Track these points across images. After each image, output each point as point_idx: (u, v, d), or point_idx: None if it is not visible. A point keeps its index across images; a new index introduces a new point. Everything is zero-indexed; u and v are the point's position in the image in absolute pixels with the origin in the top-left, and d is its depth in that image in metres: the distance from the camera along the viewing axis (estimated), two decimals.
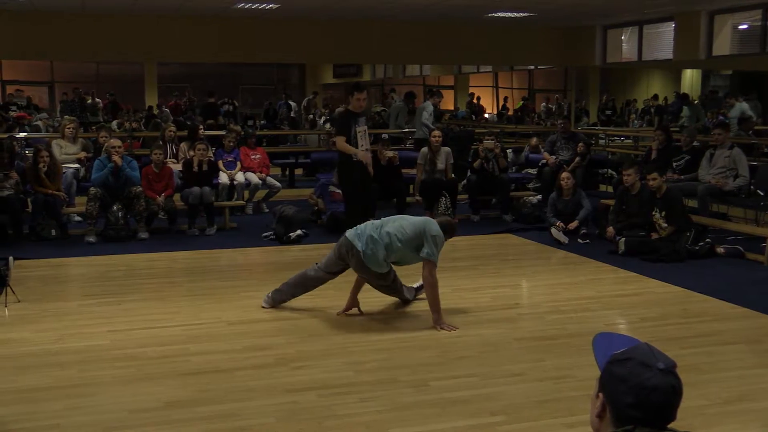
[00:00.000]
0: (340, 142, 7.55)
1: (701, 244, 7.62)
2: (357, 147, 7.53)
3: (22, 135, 11.80)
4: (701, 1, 10.48)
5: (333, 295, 6.02)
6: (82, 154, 9.59)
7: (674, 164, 9.35)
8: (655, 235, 7.68)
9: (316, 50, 12.94)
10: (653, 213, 7.70)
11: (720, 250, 7.67)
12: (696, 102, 18.28)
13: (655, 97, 21.36)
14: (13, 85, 22.66)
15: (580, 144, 10.61)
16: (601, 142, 14.59)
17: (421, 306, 5.84)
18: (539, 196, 10.26)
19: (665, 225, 7.62)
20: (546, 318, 5.61)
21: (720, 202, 8.87)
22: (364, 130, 7.65)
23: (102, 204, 8.40)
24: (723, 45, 10.98)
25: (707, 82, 22.90)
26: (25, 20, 11.06)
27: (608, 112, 21.18)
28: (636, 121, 20.05)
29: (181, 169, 9.30)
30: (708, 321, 5.56)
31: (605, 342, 1.70)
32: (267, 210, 9.94)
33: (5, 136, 10.24)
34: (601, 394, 1.59)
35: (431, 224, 5.44)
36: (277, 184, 10.52)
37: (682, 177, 9.07)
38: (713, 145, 8.93)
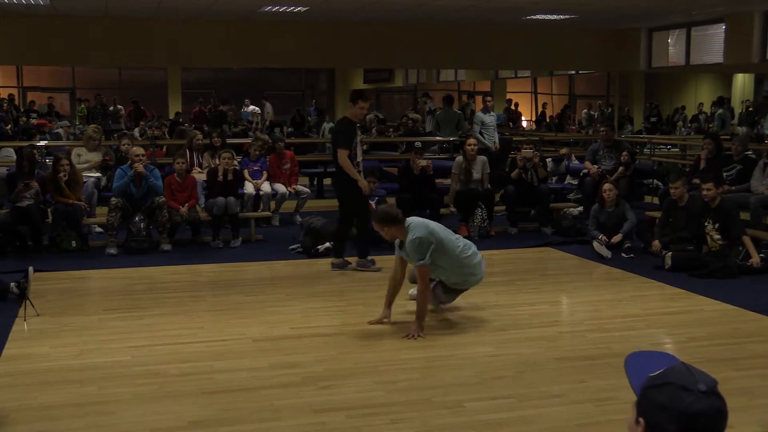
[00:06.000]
0: (343, 156, 7.20)
1: None
2: (357, 158, 7.27)
3: (42, 143, 11.74)
4: (754, 0, 10.08)
5: (362, 311, 5.96)
6: (95, 161, 9.47)
7: (724, 174, 9.02)
8: (706, 248, 7.44)
9: (346, 54, 12.72)
10: (705, 224, 7.49)
11: None
12: None
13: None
14: (34, 91, 22.90)
15: (624, 153, 10.31)
16: (646, 151, 14.17)
17: (454, 323, 5.75)
18: (580, 208, 10.08)
19: (718, 237, 7.41)
20: (587, 336, 5.45)
21: None
22: (360, 141, 7.45)
23: (123, 215, 8.29)
24: None
25: (760, 87, 22.20)
26: (47, 25, 11.06)
27: (653, 119, 20.70)
28: (683, 129, 19.51)
29: (205, 178, 9.13)
30: (761, 341, 5.34)
31: (638, 362, 1.65)
32: (300, 220, 9.72)
33: (26, 144, 10.18)
34: (641, 420, 1.52)
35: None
36: (306, 189, 10.38)
37: (733, 188, 8.74)
38: None
